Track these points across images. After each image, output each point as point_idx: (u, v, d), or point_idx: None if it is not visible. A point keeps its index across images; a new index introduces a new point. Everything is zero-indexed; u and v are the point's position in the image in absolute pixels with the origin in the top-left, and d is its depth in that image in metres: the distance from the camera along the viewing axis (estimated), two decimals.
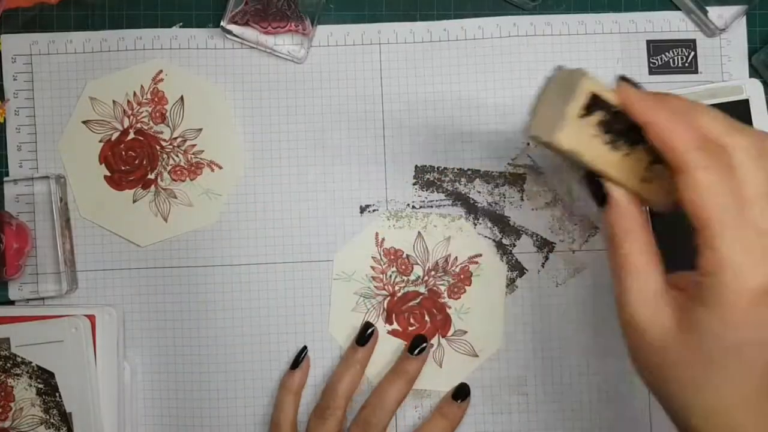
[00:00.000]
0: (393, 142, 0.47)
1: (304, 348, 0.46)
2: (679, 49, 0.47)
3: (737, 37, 0.47)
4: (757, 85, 0.46)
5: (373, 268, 0.47)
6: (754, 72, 0.47)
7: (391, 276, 0.47)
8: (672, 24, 0.47)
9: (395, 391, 0.44)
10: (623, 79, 0.33)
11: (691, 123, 0.31)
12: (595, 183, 0.35)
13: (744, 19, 0.47)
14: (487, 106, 0.47)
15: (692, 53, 0.47)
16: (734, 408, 0.32)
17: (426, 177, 0.47)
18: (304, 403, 0.46)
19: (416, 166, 0.47)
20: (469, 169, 0.47)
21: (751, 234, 0.30)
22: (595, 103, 0.33)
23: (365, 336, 0.45)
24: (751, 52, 0.47)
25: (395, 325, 0.47)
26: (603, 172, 0.34)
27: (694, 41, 0.47)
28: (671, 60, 0.47)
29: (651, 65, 0.47)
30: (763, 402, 0.32)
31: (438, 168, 0.47)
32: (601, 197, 0.35)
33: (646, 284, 0.33)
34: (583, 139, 0.33)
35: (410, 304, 0.47)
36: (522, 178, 0.47)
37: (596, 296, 0.47)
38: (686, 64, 0.47)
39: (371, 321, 0.46)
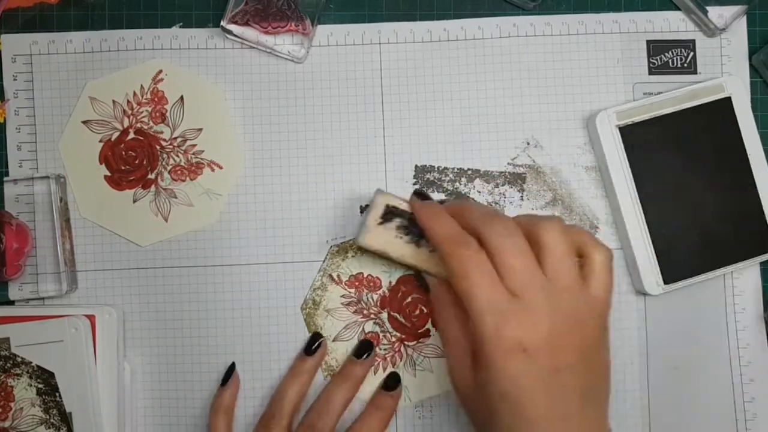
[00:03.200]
0: (393, 142, 0.47)
1: (232, 365, 0.46)
2: (679, 50, 0.47)
3: (737, 37, 0.47)
4: (737, 81, 0.46)
5: (347, 305, 0.47)
6: (754, 72, 0.47)
7: (367, 298, 0.47)
8: (672, 24, 0.48)
9: (341, 395, 0.44)
10: (416, 193, 0.42)
11: (460, 219, 0.39)
12: (417, 277, 0.46)
13: (744, 19, 0.47)
14: (487, 106, 0.47)
15: (691, 53, 0.47)
16: None
17: (426, 177, 0.47)
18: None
19: (416, 166, 0.47)
20: (469, 169, 0.47)
21: (502, 300, 0.36)
22: (392, 212, 0.42)
23: (313, 345, 0.45)
24: (751, 52, 0.47)
25: (401, 318, 0.47)
26: (413, 266, 0.42)
27: (693, 42, 0.47)
28: (670, 60, 0.47)
29: (651, 65, 0.47)
30: None
31: (438, 168, 0.47)
32: (425, 288, 0.45)
33: (457, 350, 0.40)
34: (388, 241, 0.42)
35: (406, 299, 0.47)
36: (522, 178, 0.47)
37: None
38: (685, 65, 0.47)
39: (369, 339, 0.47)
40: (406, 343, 0.47)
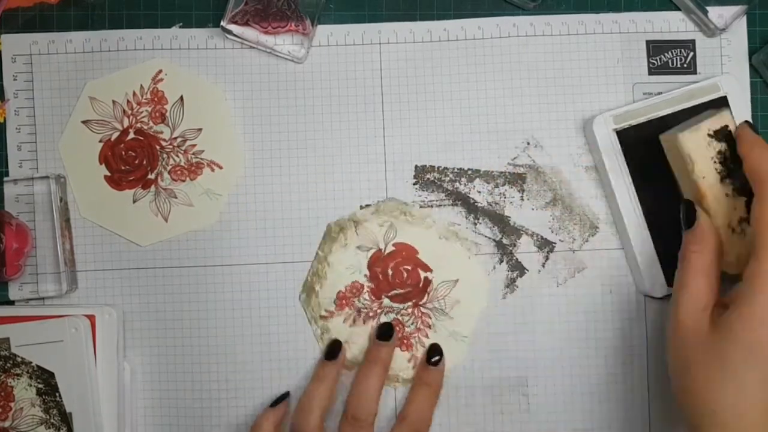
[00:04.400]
0: (393, 142, 0.47)
1: (287, 393, 0.46)
2: (678, 50, 0.47)
3: (737, 37, 0.47)
4: (732, 80, 0.46)
5: (354, 323, 0.47)
6: (754, 72, 0.47)
7: (361, 302, 0.47)
8: (672, 24, 0.48)
9: (374, 380, 0.44)
10: (747, 122, 0.41)
11: None
12: (689, 205, 0.41)
13: (744, 19, 0.47)
14: (486, 106, 0.47)
15: (691, 54, 0.47)
16: (744, 417, 0.34)
17: (426, 177, 0.47)
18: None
19: (416, 166, 0.47)
20: (469, 169, 0.47)
21: None
22: (725, 135, 0.41)
23: (334, 351, 0.45)
24: (751, 52, 0.47)
25: (400, 290, 0.47)
26: (702, 194, 0.41)
27: (693, 42, 0.47)
28: (670, 60, 0.47)
29: (650, 65, 0.47)
30: None
31: (438, 168, 0.47)
32: (689, 220, 0.41)
33: (697, 302, 0.38)
34: (701, 153, 0.41)
35: (388, 275, 0.47)
36: (522, 178, 0.47)
37: (596, 296, 0.47)
38: (685, 65, 0.47)
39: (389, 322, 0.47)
40: (420, 305, 0.47)
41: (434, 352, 0.46)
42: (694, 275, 0.39)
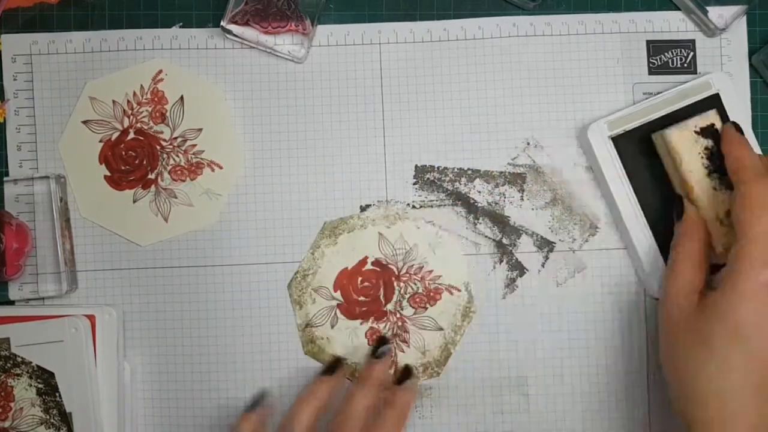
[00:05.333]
0: (393, 142, 0.47)
1: (263, 394, 0.45)
2: (679, 50, 0.47)
3: (737, 37, 0.47)
4: (724, 77, 0.46)
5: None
6: (754, 72, 0.47)
7: (371, 322, 0.47)
8: (672, 24, 0.48)
9: (361, 401, 0.42)
10: (733, 123, 0.43)
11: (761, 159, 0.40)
12: (679, 200, 0.44)
13: (744, 19, 0.47)
14: (487, 106, 0.47)
15: (691, 53, 0.47)
16: (723, 396, 0.36)
17: (426, 177, 0.47)
18: None
19: (416, 166, 0.47)
20: (469, 169, 0.47)
21: None
22: (711, 132, 0.43)
23: (332, 368, 0.45)
24: (751, 52, 0.47)
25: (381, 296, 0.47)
26: (689, 187, 0.43)
27: (693, 42, 0.47)
28: (670, 60, 0.47)
29: (650, 65, 0.47)
30: (764, 390, 0.36)
31: (438, 168, 0.47)
32: (679, 213, 0.43)
33: (685, 286, 0.40)
34: (688, 148, 0.43)
35: (358, 296, 0.47)
36: (522, 178, 0.47)
37: (596, 296, 0.47)
38: (685, 65, 0.47)
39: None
40: (399, 275, 0.47)
41: (405, 374, 0.45)
42: (683, 262, 0.41)
